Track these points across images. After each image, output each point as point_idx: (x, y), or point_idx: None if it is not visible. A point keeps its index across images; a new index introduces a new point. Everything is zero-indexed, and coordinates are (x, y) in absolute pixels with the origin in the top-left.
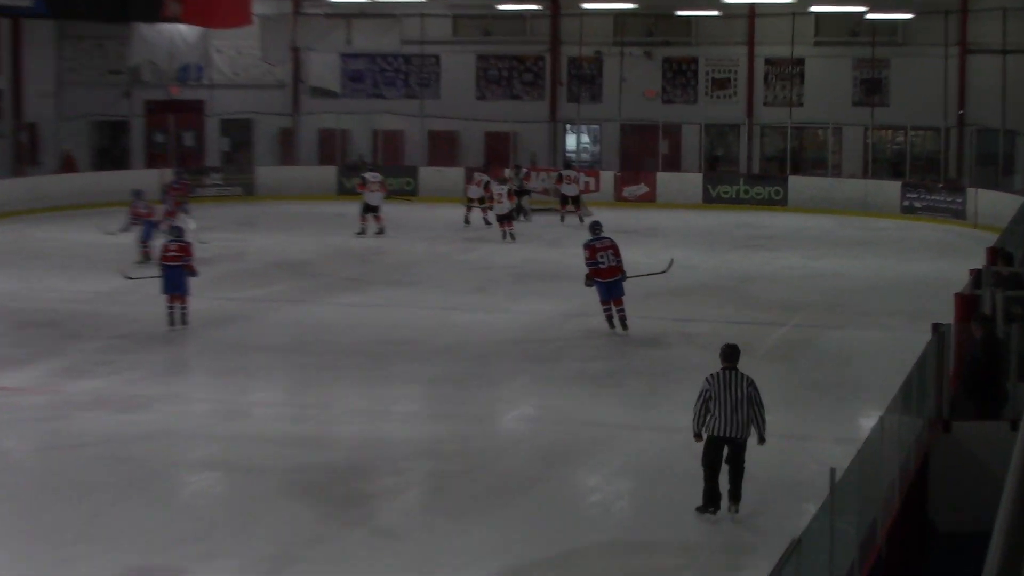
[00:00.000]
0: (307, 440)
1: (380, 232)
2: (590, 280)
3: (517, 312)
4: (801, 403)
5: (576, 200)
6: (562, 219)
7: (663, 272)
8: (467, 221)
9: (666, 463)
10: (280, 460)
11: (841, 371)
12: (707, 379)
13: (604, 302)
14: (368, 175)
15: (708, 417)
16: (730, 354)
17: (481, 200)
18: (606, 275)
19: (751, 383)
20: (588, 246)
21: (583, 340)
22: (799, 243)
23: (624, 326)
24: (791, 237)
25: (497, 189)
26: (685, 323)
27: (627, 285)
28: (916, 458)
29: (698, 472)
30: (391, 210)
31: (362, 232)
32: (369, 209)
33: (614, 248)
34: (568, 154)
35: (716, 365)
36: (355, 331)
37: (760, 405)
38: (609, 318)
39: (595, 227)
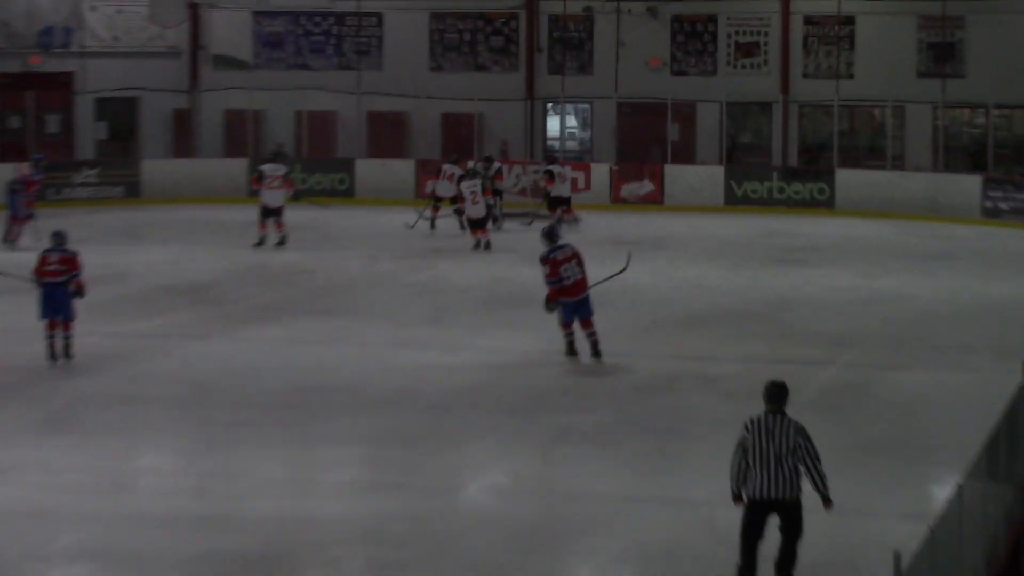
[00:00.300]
0: (211, 520)
1: (280, 243)
2: (552, 303)
3: (483, 349)
4: (856, 467)
5: (568, 202)
6: (560, 222)
7: (622, 271)
8: (433, 226)
9: (678, 546)
10: (175, 547)
11: (907, 425)
12: (746, 425)
13: (567, 324)
14: (267, 167)
15: (748, 474)
16: (776, 394)
17: (452, 200)
18: (572, 292)
19: (800, 431)
20: (548, 259)
21: (570, 385)
22: (850, 257)
23: (597, 352)
24: (840, 249)
25: (469, 187)
26: (703, 363)
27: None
28: (1006, 538)
29: (719, 557)
30: (307, 216)
31: (260, 243)
32: (269, 212)
33: (578, 257)
34: (550, 143)
35: (743, 417)
36: (272, 375)
37: (815, 458)
38: (571, 343)
39: (552, 234)
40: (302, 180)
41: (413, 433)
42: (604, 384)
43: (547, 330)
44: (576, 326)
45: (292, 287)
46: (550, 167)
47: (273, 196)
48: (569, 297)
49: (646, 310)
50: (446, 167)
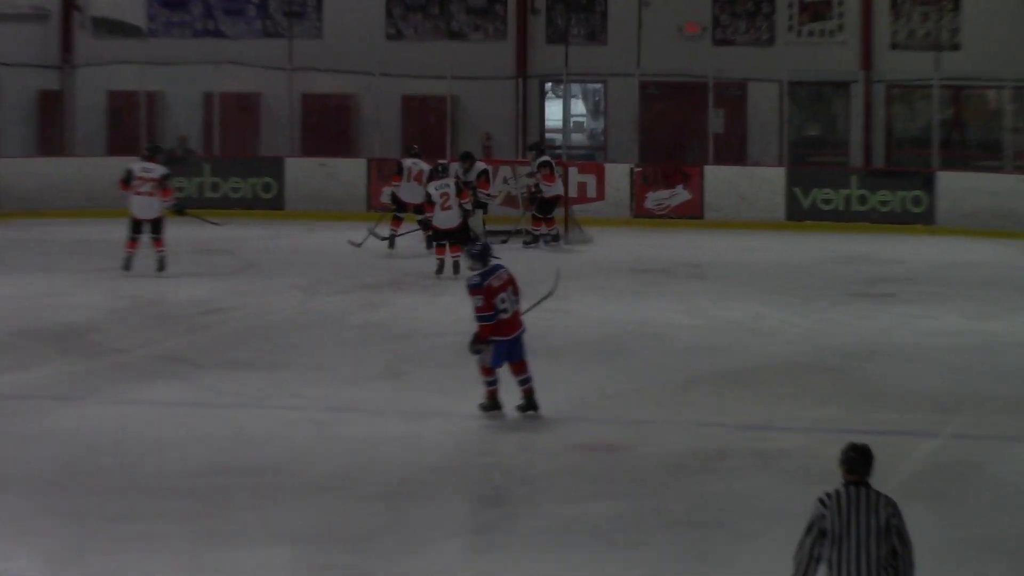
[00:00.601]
0: None
1: (160, 268)
2: (481, 343)
3: (458, 415)
4: (966, 571)
5: (557, 203)
6: (554, 239)
7: (549, 296)
8: (392, 245)
9: None
10: None
11: None
12: (822, 500)
13: (492, 370)
14: (136, 167)
15: (822, 564)
16: (859, 461)
17: (420, 208)
18: (509, 329)
19: (893, 510)
20: (483, 288)
21: (576, 463)
22: (956, 290)
23: (532, 404)
24: (942, 279)
25: (439, 187)
26: (757, 434)
27: None
28: None
29: None
30: (219, 233)
31: (127, 266)
32: (140, 226)
33: (513, 283)
34: (549, 136)
35: (810, 505)
36: (173, 451)
37: (907, 544)
38: (494, 393)
39: (483, 254)
40: (213, 186)
41: (363, 528)
42: (623, 462)
43: (546, 388)
44: (502, 371)
45: (200, 331)
46: (546, 158)
47: (143, 205)
48: (504, 335)
49: (680, 362)
50: (408, 163)
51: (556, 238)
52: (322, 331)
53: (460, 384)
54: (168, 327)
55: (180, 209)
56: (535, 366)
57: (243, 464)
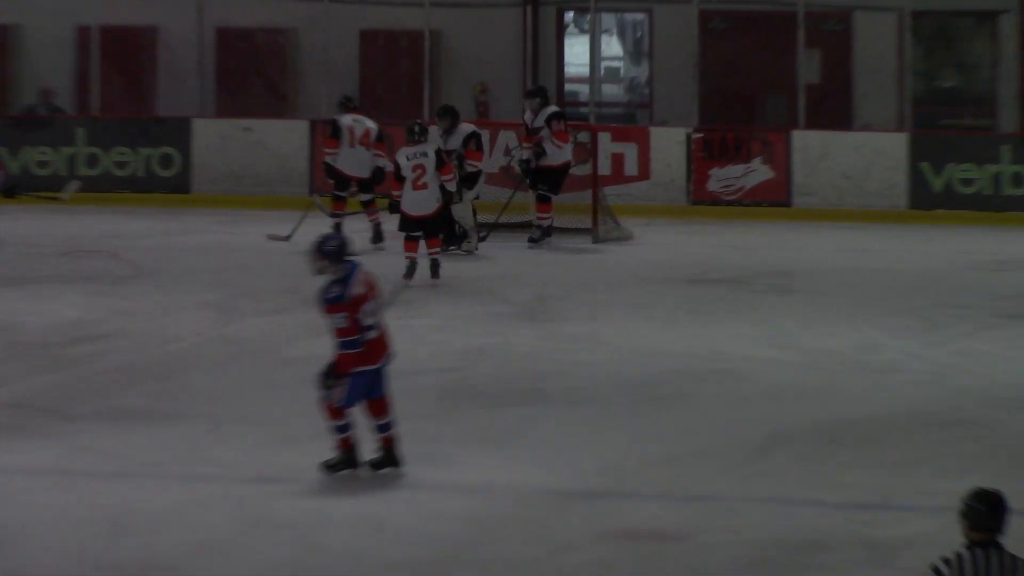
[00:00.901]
0: None
1: None
2: (339, 376)
3: (442, 486)
4: None
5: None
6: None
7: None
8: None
9: None
10: None
11: None
12: (935, 568)
13: (343, 411)
14: None
15: None
16: (987, 514)
17: (367, 183)
18: (376, 354)
19: None
20: (343, 301)
21: (608, 560)
22: None
23: (392, 459)
24: None
25: (412, 156)
26: (868, 514)
27: None
28: None
29: None
30: (86, 223)
31: None
32: None
33: (374, 286)
34: (570, 88)
35: None
36: (29, 541)
37: None
38: (347, 443)
39: (339, 252)
40: (89, 159)
41: None
42: (678, 556)
43: (567, 450)
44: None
45: (69, 367)
46: (556, 108)
47: None
48: (371, 363)
49: (759, 413)
50: (347, 121)
51: (548, 231)
52: (243, 368)
53: (440, 443)
54: (24, 362)
55: (10, 191)
56: (551, 415)
57: (130, 558)
